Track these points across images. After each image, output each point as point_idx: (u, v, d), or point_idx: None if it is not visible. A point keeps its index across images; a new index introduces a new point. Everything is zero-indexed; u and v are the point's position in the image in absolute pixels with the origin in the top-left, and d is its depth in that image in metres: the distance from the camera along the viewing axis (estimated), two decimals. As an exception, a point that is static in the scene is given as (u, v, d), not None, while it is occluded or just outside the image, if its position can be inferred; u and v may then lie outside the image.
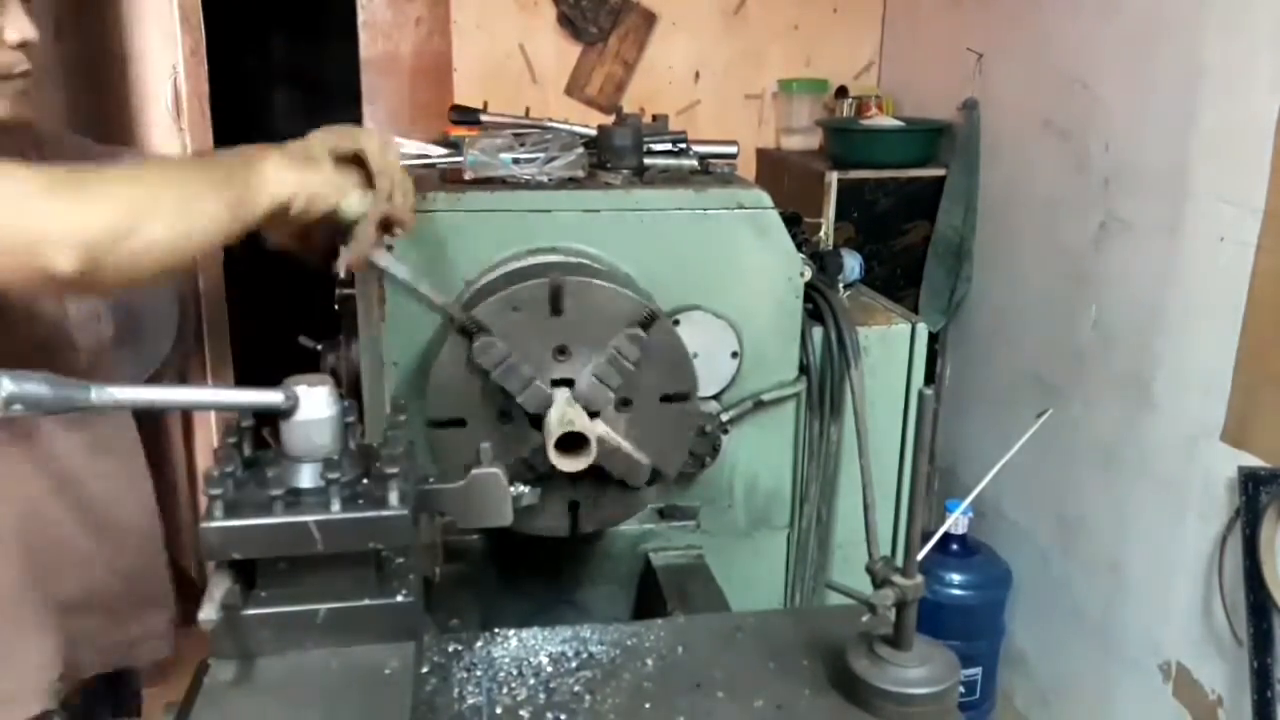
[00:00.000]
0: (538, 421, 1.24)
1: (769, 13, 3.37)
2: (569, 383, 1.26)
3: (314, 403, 0.90)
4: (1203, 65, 2.09)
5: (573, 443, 1.18)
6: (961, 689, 2.69)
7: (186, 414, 3.12)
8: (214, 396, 0.92)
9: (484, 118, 1.82)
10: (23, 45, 1.14)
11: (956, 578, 2.65)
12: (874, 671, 0.94)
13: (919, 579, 0.95)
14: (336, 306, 1.58)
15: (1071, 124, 2.52)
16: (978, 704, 2.72)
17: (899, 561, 0.99)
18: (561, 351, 1.26)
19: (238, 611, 0.86)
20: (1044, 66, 2.61)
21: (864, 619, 0.96)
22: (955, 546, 2.68)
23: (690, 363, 1.33)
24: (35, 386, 0.82)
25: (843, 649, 0.98)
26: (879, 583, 0.95)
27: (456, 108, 1.89)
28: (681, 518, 1.52)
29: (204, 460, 3.10)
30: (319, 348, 1.59)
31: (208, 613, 0.82)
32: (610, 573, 1.49)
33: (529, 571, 1.47)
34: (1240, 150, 2.00)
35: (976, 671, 2.69)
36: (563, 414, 1.18)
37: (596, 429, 1.21)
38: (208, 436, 3.06)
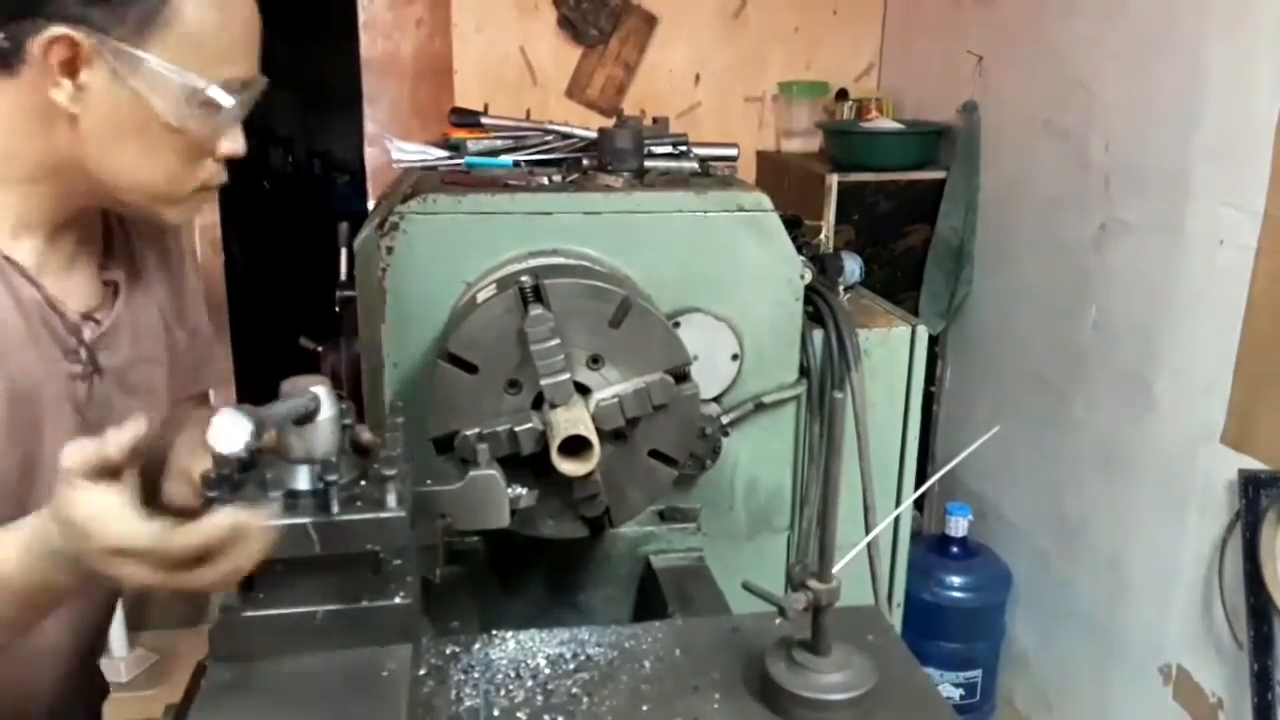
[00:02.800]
0: (539, 402, 1.24)
1: (769, 15, 3.37)
2: (584, 389, 1.25)
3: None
4: (1203, 67, 2.09)
5: (576, 446, 1.17)
6: (962, 690, 2.71)
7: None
8: None
9: (485, 120, 1.82)
10: (229, 158, 1.08)
11: (957, 579, 2.64)
12: (789, 677, 0.92)
13: (834, 584, 0.92)
14: (337, 308, 1.58)
15: (1072, 126, 2.52)
16: (978, 706, 2.72)
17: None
18: (595, 360, 1.25)
19: (236, 614, 0.86)
20: (1044, 68, 2.61)
21: (776, 621, 0.93)
22: (955, 548, 2.68)
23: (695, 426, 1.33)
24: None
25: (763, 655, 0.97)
26: (794, 586, 0.93)
27: (457, 110, 1.89)
28: (682, 520, 1.52)
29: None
30: (319, 349, 1.59)
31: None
32: (610, 575, 1.49)
33: (529, 574, 1.47)
34: (1240, 153, 2.00)
35: (977, 673, 2.69)
36: (572, 416, 1.18)
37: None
38: (208, 438, 3.06)
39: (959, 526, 2.66)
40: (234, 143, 1.05)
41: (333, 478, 0.86)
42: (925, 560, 2.62)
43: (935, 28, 3.16)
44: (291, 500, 0.87)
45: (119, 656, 2.86)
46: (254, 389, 1.01)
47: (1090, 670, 2.53)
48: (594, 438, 1.16)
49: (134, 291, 1.18)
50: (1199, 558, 2.14)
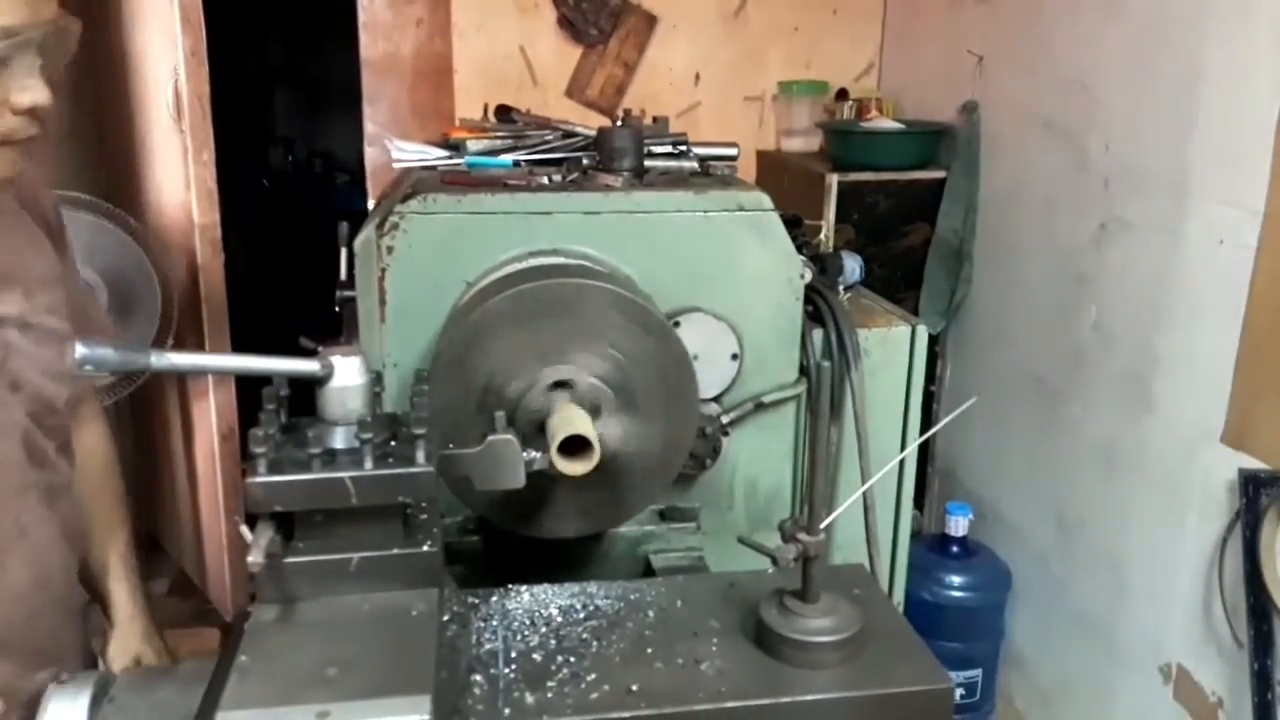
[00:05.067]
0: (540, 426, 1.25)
1: (769, 15, 3.37)
2: (566, 385, 1.25)
3: (347, 371, 0.98)
4: (1203, 67, 2.09)
5: (576, 446, 1.17)
6: (962, 690, 2.71)
7: (186, 419, 3.13)
8: (258, 363, 1.00)
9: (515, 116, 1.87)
10: (32, 110, 1.07)
11: (956, 579, 2.65)
12: (781, 622, 1.01)
13: (820, 536, 1.02)
14: (337, 308, 1.58)
15: (1071, 125, 2.52)
16: (978, 705, 2.72)
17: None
18: (558, 353, 1.25)
19: (279, 560, 0.93)
20: (1044, 68, 2.61)
21: (769, 572, 1.06)
22: (955, 548, 2.68)
23: (689, 363, 1.32)
24: (104, 350, 0.91)
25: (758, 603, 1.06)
26: (785, 539, 1.02)
27: (502, 108, 1.96)
28: (682, 519, 1.51)
29: (203, 463, 3.11)
30: (319, 349, 1.59)
31: (255, 557, 0.89)
32: (610, 575, 1.49)
33: (528, 574, 1.47)
34: (1240, 152, 2.00)
35: (977, 673, 2.69)
36: (567, 417, 1.18)
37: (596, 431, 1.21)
38: (207, 439, 3.06)
39: (959, 526, 2.66)
40: (27, 93, 1.05)
41: (368, 436, 0.94)
42: (925, 560, 2.62)
43: (935, 28, 3.16)
44: (330, 457, 0.95)
45: (119, 656, 2.86)
46: (254, 387, 1.03)
47: (1090, 670, 2.53)
48: (593, 436, 1.16)
49: (11, 248, 1.21)
50: (1199, 557, 2.14)
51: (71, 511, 1.34)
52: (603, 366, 1.26)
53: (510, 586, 1.14)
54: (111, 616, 1.46)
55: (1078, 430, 2.53)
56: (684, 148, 1.71)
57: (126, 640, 1.44)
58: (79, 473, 1.42)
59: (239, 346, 3.12)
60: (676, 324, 1.42)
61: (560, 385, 1.25)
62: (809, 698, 0.96)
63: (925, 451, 3.06)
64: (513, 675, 0.98)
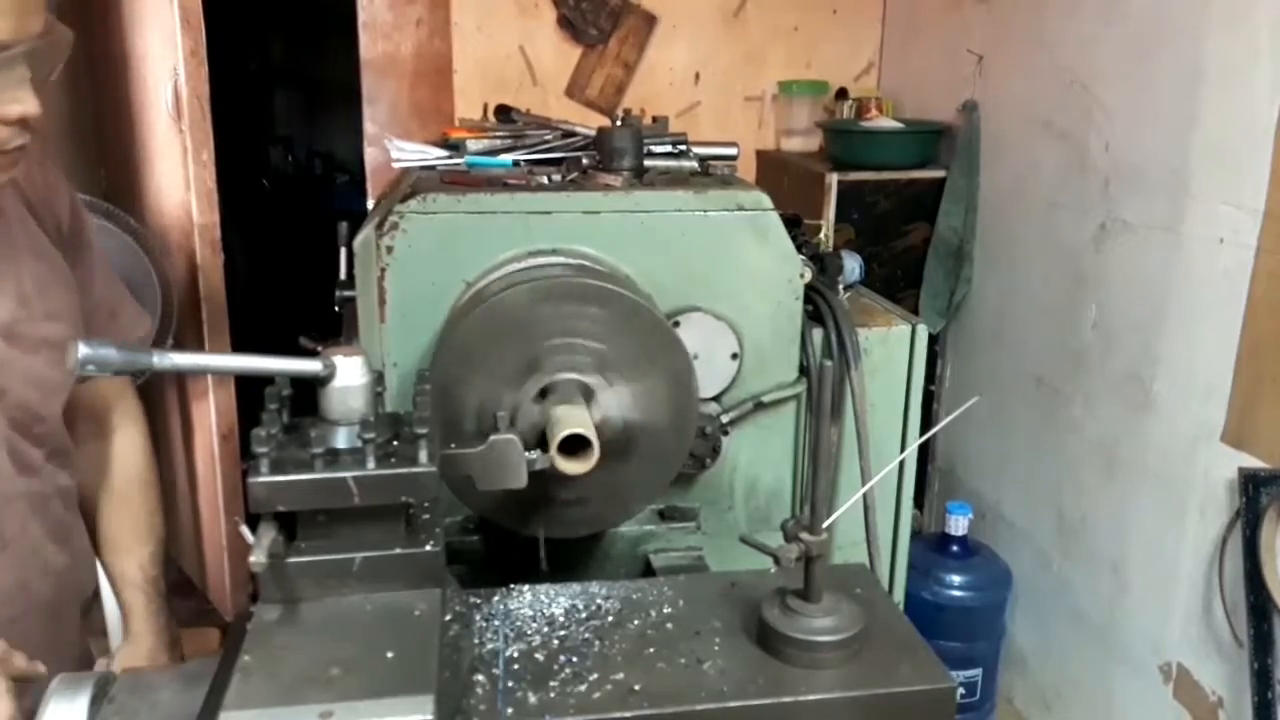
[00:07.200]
0: (542, 395, 1.25)
1: (769, 14, 3.37)
2: (546, 391, 1.25)
3: (349, 371, 0.98)
4: (1203, 67, 2.09)
5: (576, 445, 1.18)
6: (962, 690, 2.71)
7: (186, 419, 3.13)
8: (259, 363, 1.01)
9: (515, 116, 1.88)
10: (22, 120, 1.08)
11: (957, 579, 2.65)
12: (783, 621, 1.01)
13: (823, 535, 1.01)
14: (337, 308, 1.58)
15: (1071, 125, 2.52)
16: (978, 705, 2.72)
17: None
18: (521, 370, 1.25)
19: (281, 560, 0.93)
20: (1044, 68, 2.61)
21: (771, 572, 1.05)
22: (955, 547, 2.68)
23: (653, 309, 1.32)
24: (106, 350, 0.90)
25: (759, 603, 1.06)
26: (788, 539, 1.02)
27: (502, 108, 1.96)
28: (681, 519, 1.52)
29: (203, 464, 3.11)
30: (320, 349, 1.59)
31: (257, 557, 0.89)
32: (610, 574, 1.49)
33: (528, 573, 1.47)
34: (1240, 152, 2.00)
35: (977, 672, 2.69)
36: (573, 415, 1.18)
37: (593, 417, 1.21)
38: (207, 439, 3.06)
39: (959, 526, 2.67)
40: (17, 104, 1.06)
41: (370, 436, 0.94)
42: (925, 559, 2.62)
43: (935, 27, 3.16)
44: (332, 457, 0.95)
45: (119, 656, 2.86)
46: (254, 386, 1.03)
47: (1090, 669, 2.53)
48: (594, 437, 1.16)
49: (7, 255, 1.21)
50: (1199, 557, 2.15)
51: (66, 515, 1.33)
52: (569, 358, 1.25)
53: (512, 586, 1.14)
54: (127, 627, 1.47)
55: (1078, 430, 2.53)
56: (684, 148, 1.71)
57: (132, 655, 1.44)
58: (104, 478, 1.43)
59: (239, 346, 3.12)
60: (676, 324, 1.42)
61: (542, 394, 1.25)
62: (811, 697, 0.96)
63: (925, 451, 3.06)
64: (515, 675, 0.98)
